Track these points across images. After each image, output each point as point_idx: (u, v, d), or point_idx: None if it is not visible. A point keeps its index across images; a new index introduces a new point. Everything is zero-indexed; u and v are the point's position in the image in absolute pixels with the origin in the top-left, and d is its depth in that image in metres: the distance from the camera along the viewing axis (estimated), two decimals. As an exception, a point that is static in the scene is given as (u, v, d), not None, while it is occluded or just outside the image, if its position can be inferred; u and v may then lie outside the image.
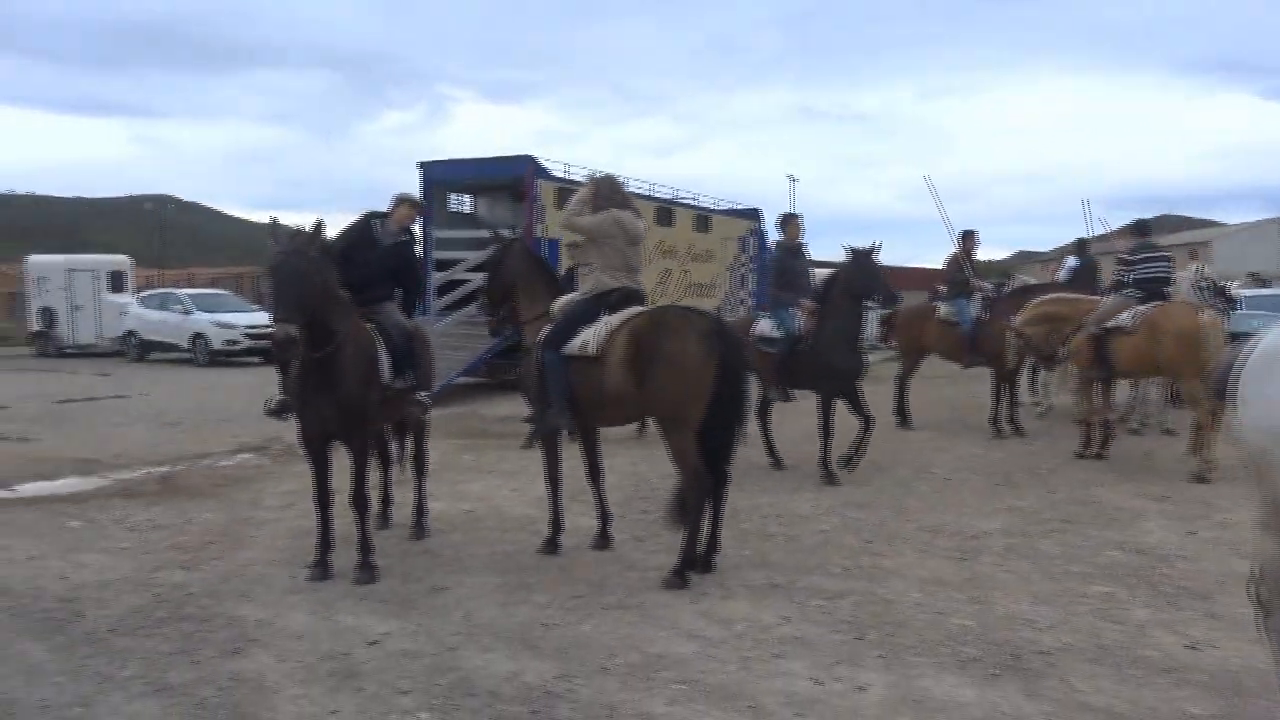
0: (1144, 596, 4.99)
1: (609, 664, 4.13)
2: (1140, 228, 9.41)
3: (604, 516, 6.10)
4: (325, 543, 5.44)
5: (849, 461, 8.09)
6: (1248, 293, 18.15)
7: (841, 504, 7.21)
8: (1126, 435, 10.22)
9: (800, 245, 8.99)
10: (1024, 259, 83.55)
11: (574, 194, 6.23)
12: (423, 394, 6.10)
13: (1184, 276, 10.63)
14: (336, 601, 4.99)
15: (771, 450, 8.70)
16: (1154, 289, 9.21)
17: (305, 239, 5.11)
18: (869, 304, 8.34)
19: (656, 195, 18.72)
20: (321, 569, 5.37)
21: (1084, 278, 11.96)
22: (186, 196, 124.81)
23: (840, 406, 8.16)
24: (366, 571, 5.31)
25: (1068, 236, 15.12)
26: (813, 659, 4.16)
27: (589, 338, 5.51)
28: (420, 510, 6.41)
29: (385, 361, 5.64)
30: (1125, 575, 5.37)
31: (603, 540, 6.05)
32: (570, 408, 5.57)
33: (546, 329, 5.74)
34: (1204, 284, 10.68)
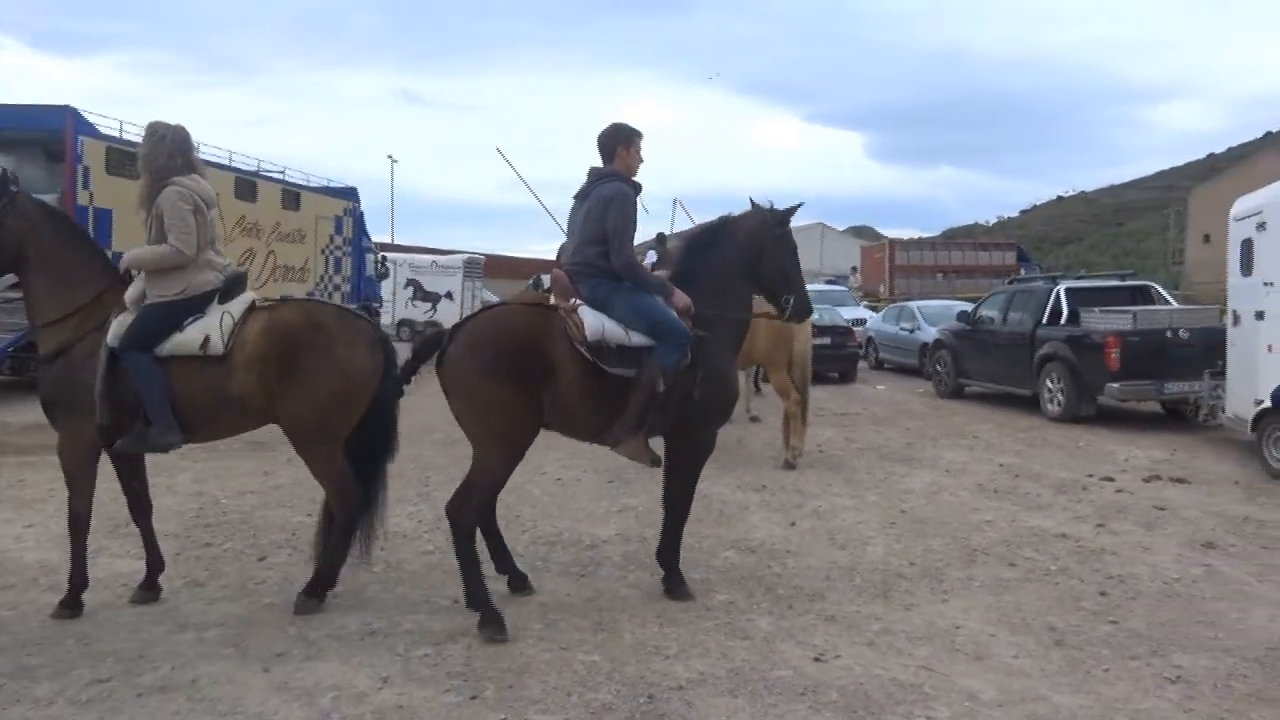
0: (764, 602, 4.82)
1: (137, 787, 3.01)
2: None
3: (154, 562, 4.79)
4: None
5: None
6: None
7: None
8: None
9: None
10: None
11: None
12: None
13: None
14: None
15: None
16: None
17: None
18: (775, 311, 5.21)
19: (235, 166, 16.59)
20: None
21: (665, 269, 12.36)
22: None
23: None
24: None
25: (648, 233, 15.74)
26: (419, 737, 3.36)
27: (209, 331, 4.44)
28: None
29: None
30: (743, 579, 5.21)
31: (148, 591, 4.75)
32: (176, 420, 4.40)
33: (121, 322, 4.41)
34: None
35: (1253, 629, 4.53)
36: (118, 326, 4.41)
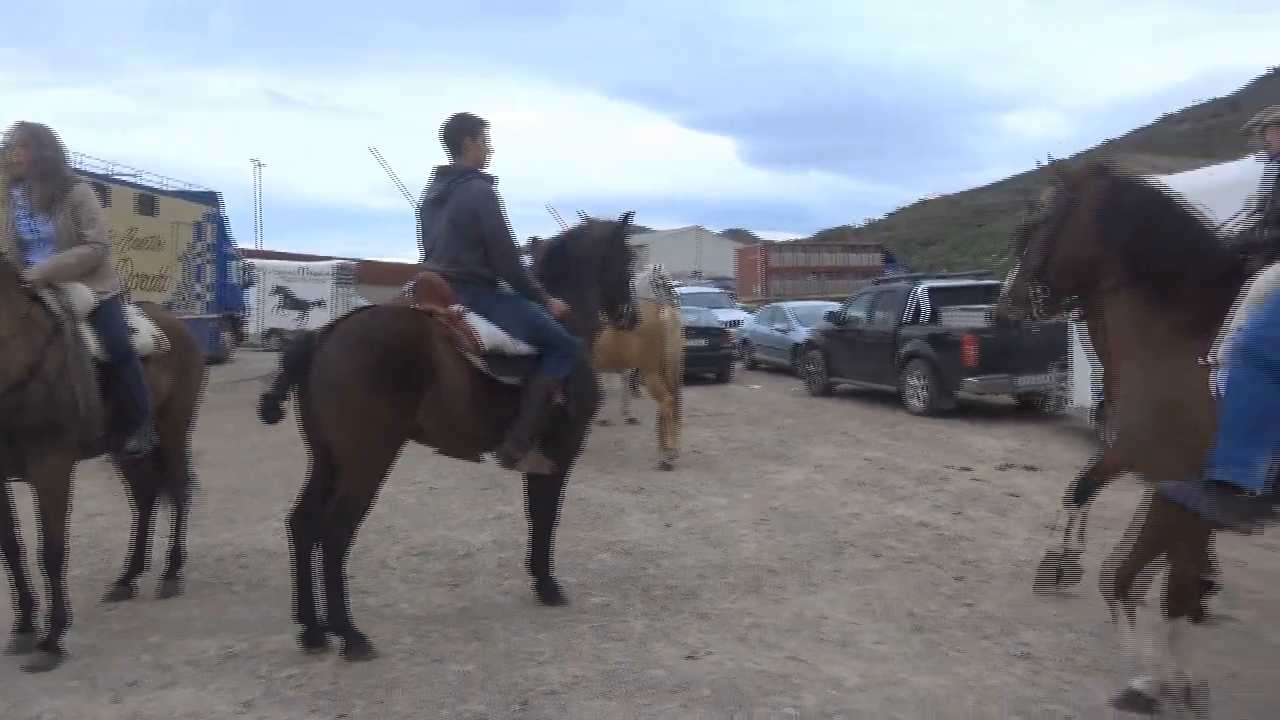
0: (639, 604, 4.87)
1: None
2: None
3: (28, 602, 4.39)
4: None
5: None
6: (682, 290, 20.59)
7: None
8: (598, 426, 10.61)
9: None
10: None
11: None
12: None
13: (643, 276, 11.36)
14: None
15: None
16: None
17: None
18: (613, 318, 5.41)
19: (84, 169, 15.70)
20: None
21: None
22: None
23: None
24: None
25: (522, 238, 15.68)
26: (282, 760, 3.26)
27: (153, 330, 4.75)
28: None
29: None
30: (618, 580, 5.25)
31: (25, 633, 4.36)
32: None
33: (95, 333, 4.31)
34: (660, 282, 11.53)
35: (1092, 605, 4.83)
36: (93, 338, 4.27)
